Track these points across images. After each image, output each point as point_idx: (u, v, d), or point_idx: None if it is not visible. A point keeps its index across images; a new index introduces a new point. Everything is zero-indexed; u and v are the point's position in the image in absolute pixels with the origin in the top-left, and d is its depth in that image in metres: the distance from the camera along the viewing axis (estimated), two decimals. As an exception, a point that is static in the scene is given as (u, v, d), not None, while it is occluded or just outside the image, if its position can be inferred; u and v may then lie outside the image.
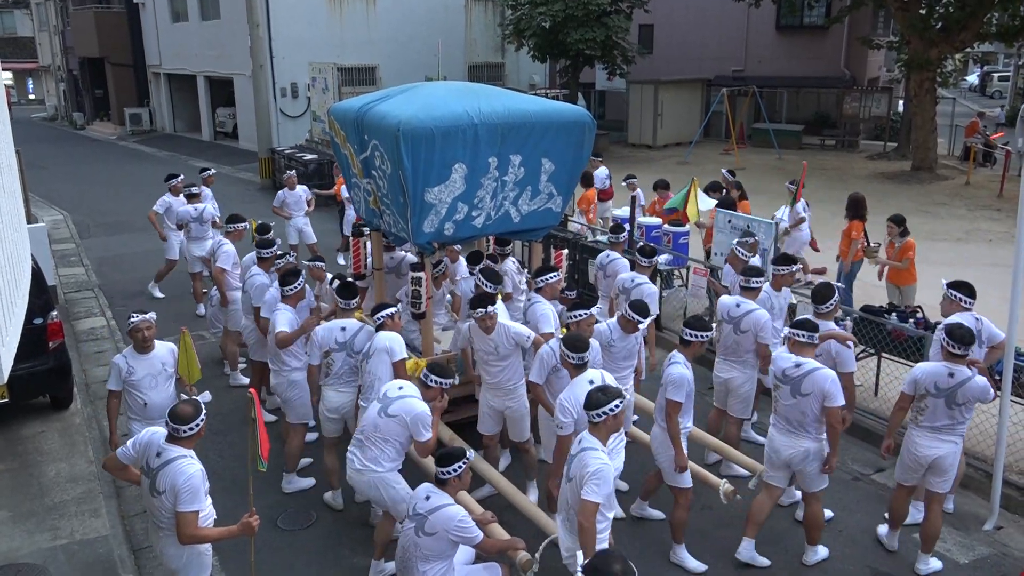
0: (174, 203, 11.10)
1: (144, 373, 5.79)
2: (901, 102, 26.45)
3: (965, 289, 6.10)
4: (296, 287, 6.76)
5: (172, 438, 4.54)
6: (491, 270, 7.01)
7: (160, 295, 11.76)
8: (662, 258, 10.18)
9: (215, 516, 4.76)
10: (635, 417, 7.44)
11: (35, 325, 7.49)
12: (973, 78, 51.12)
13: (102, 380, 8.95)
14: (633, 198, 11.05)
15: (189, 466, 4.47)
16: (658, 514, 6.31)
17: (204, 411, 4.64)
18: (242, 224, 8.98)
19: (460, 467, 4.54)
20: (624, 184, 12.50)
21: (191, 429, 4.52)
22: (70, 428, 7.79)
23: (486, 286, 6.78)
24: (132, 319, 5.83)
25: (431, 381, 5.27)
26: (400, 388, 5.36)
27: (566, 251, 8.92)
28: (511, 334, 6.14)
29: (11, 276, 4.35)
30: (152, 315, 5.92)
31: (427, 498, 4.53)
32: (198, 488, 4.44)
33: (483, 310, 6.06)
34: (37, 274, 7.44)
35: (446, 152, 6.37)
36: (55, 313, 7.93)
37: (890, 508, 6.02)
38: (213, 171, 12.28)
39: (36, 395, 8.01)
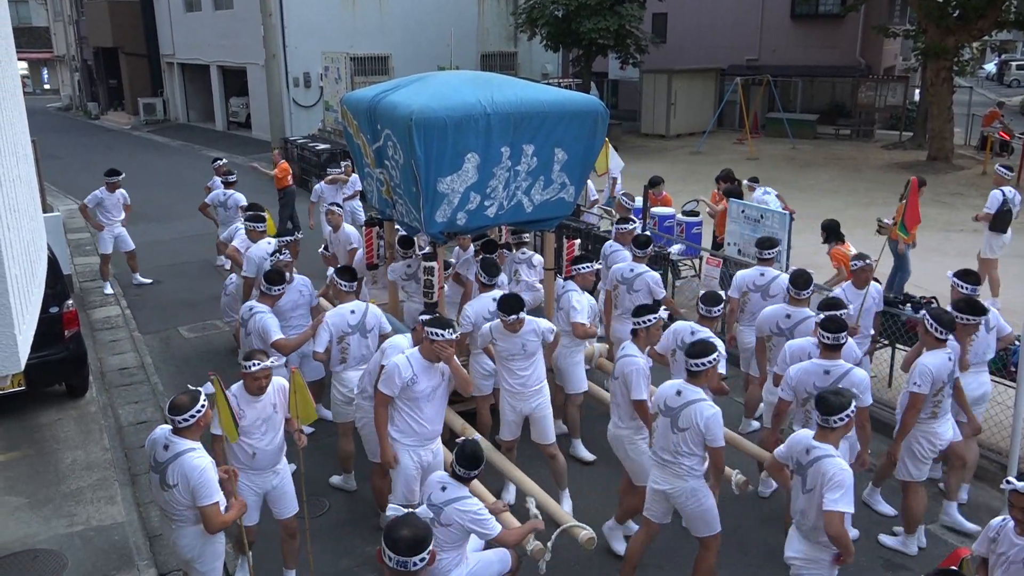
0: (106, 198, 11.20)
1: (255, 418, 5.04)
2: (917, 91, 26.19)
3: (966, 277, 6.29)
4: (280, 290, 6.63)
5: (176, 429, 4.50)
6: (490, 261, 7.01)
7: (111, 292, 11.43)
8: (674, 248, 10.16)
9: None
10: None
11: (51, 314, 7.56)
12: (991, 67, 50.55)
13: (118, 369, 9.04)
14: (646, 188, 11.01)
15: (199, 460, 4.42)
16: None
17: (203, 400, 4.52)
18: (261, 226, 8.68)
19: (477, 473, 4.53)
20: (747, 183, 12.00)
21: (185, 420, 4.43)
22: (86, 416, 7.87)
23: (483, 277, 6.80)
24: (251, 366, 4.97)
25: (432, 335, 5.19)
26: None
27: (578, 241, 8.89)
28: (540, 330, 6.03)
29: (27, 265, 4.38)
30: (273, 360, 5.14)
31: (443, 489, 4.53)
32: (211, 480, 4.42)
33: (514, 316, 5.84)
34: (53, 263, 7.50)
35: (459, 142, 6.36)
36: (71, 302, 8.00)
37: (910, 511, 5.83)
38: (225, 160, 12.34)
39: (52, 383, 8.08)
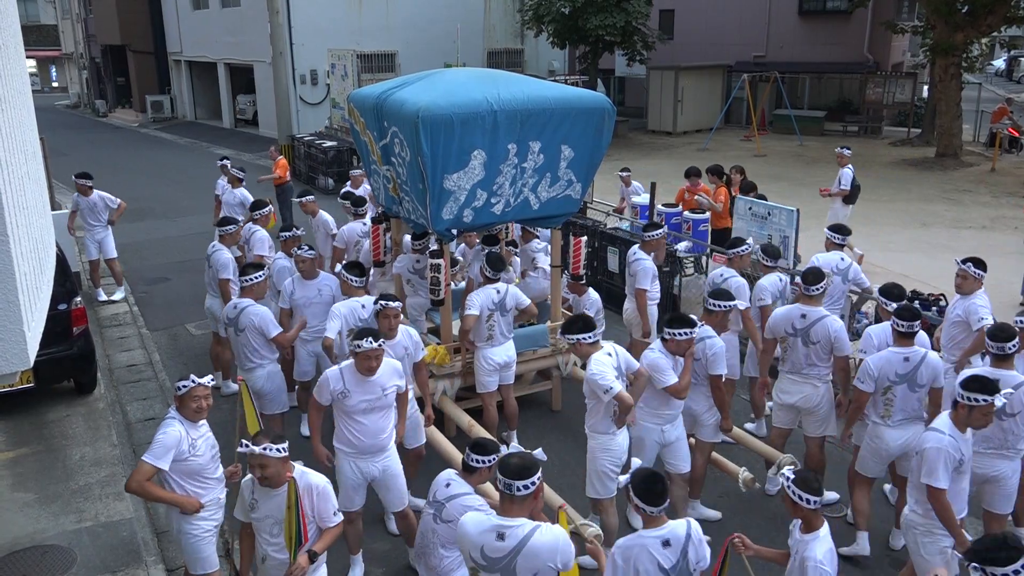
0: (81, 202, 10.80)
1: (267, 514, 4.31)
2: (925, 88, 26.08)
3: (980, 265, 6.32)
4: (256, 279, 6.48)
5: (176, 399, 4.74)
6: (495, 256, 7.01)
7: (109, 296, 11.12)
8: (681, 245, 10.13)
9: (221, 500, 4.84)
10: None
11: (60, 311, 7.59)
12: (1000, 63, 50.25)
13: (126, 365, 9.08)
14: (653, 185, 11.00)
15: (168, 425, 4.61)
16: (714, 514, 6.18)
17: (198, 379, 4.65)
18: (267, 208, 9.08)
19: (492, 460, 4.41)
20: (620, 175, 12.41)
21: (177, 388, 4.65)
22: (94, 412, 7.90)
23: (488, 272, 6.80)
24: (259, 450, 4.13)
25: (356, 347, 5.17)
26: None
27: (585, 238, 8.89)
28: (589, 377, 5.32)
29: (36, 262, 4.40)
30: (288, 457, 4.21)
31: (447, 485, 4.52)
32: (165, 447, 4.52)
33: (582, 336, 5.38)
34: (61, 260, 7.52)
35: (465, 139, 6.37)
36: (79, 299, 8.03)
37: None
38: (228, 161, 12.38)
39: (61, 380, 8.11)
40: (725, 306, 5.96)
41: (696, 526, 3.92)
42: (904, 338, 5.47)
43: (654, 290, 7.74)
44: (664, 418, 5.61)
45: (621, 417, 5.33)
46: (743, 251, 7.22)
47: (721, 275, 7.17)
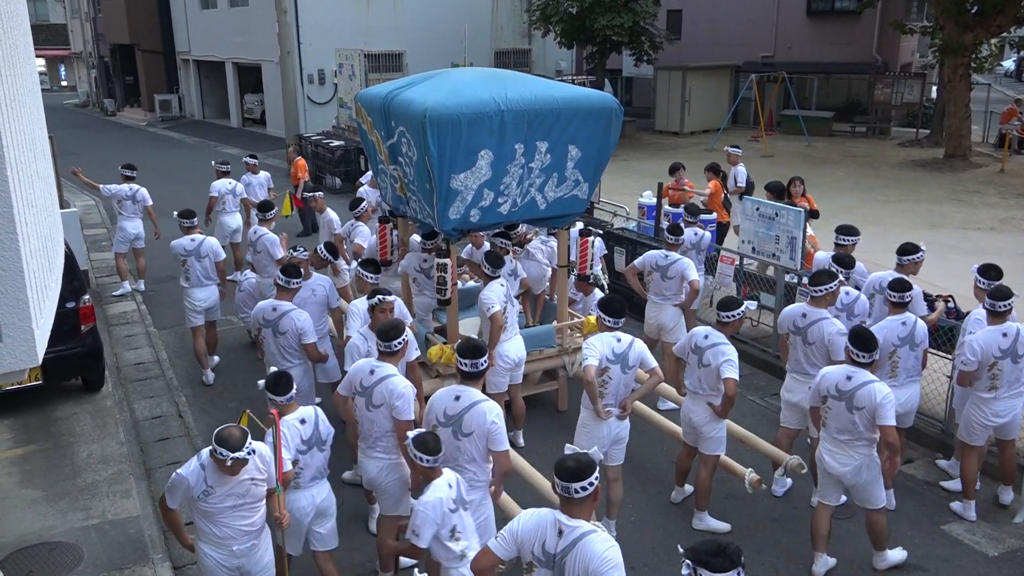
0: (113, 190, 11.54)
1: None
2: (934, 88, 25.96)
3: (987, 272, 6.43)
4: (297, 284, 6.59)
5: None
6: (494, 253, 7.00)
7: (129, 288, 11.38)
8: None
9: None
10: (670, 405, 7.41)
11: (68, 309, 7.62)
12: (1009, 63, 50.00)
13: (133, 363, 9.12)
14: (660, 186, 10.99)
15: (186, 467, 4.43)
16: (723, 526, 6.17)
17: (244, 456, 4.33)
18: (275, 210, 9.18)
19: (482, 364, 4.77)
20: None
21: (220, 454, 4.29)
22: (102, 410, 7.93)
23: (486, 268, 6.81)
24: None
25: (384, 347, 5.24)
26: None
27: (591, 239, 8.87)
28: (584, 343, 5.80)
29: (45, 260, 4.41)
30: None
31: (456, 398, 4.63)
32: (174, 489, 4.41)
33: (605, 316, 5.70)
34: (70, 258, 7.56)
35: (472, 138, 6.37)
36: (87, 297, 8.06)
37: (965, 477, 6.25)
38: (236, 162, 12.51)
39: (69, 377, 8.15)
40: (736, 315, 5.84)
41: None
42: (897, 307, 6.19)
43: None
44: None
45: (589, 398, 5.60)
46: (918, 258, 6.91)
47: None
